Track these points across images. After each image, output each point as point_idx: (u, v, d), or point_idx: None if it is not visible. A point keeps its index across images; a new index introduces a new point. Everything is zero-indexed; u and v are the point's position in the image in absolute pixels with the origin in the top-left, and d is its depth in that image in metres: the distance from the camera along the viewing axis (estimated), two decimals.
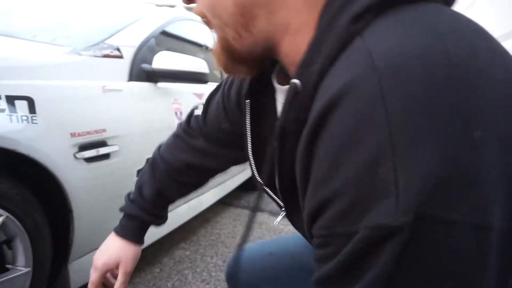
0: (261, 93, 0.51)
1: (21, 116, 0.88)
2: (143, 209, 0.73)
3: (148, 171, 0.76)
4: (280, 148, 0.42)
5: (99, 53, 1.23)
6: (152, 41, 1.51)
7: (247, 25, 0.40)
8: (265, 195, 0.57)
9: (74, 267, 1.14)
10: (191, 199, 1.81)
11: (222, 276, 1.65)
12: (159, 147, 0.78)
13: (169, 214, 0.80)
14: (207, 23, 0.44)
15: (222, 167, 0.75)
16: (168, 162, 0.73)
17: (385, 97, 0.26)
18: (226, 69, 0.46)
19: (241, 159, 0.68)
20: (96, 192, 1.13)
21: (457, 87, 0.25)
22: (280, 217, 0.56)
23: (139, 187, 0.75)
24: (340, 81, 0.29)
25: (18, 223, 0.91)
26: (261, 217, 2.37)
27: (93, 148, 1.09)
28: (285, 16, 0.37)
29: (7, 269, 0.94)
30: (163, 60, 1.44)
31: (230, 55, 0.44)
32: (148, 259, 1.72)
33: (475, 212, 0.25)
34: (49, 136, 0.95)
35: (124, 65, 1.31)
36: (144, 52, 1.44)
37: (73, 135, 1.02)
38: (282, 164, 0.44)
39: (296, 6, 0.36)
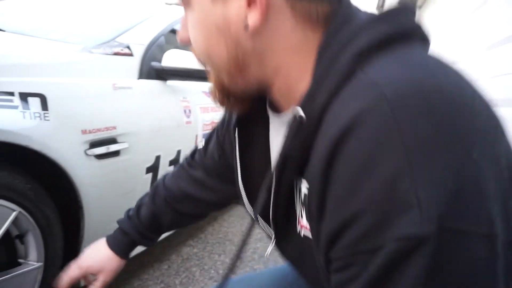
0: (250, 124, 0.54)
1: (34, 113, 0.89)
2: (136, 229, 0.78)
3: (150, 194, 0.80)
4: (278, 177, 0.43)
5: (109, 51, 1.24)
6: (162, 39, 1.52)
7: (240, 71, 0.43)
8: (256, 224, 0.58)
9: None
10: None
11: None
12: (165, 175, 0.82)
13: None
14: (201, 62, 0.47)
15: (220, 201, 0.78)
16: (169, 189, 0.78)
17: (398, 122, 0.29)
18: (221, 104, 0.49)
19: (234, 196, 0.71)
20: (106, 188, 1.14)
21: (454, 116, 0.30)
22: (270, 248, 0.57)
23: (138, 206, 0.80)
24: (351, 109, 0.31)
25: (30, 218, 0.93)
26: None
27: (104, 145, 1.10)
28: (275, 62, 0.42)
29: (20, 264, 0.95)
30: (173, 58, 1.44)
31: (225, 94, 0.47)
32: (157, 256, 1.74)
33: (484, 223, 0.28)
34: (61, 133, 0.96)
35: (134, 63, 1.32)
36: (154, 50, 1.44)
37: (84, 132, 1.03)
38: (279, 192, 0.46)
39: (284, 53, 0.41)
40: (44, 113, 0.91)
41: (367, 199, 0.30)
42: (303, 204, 0.42)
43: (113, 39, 1.32)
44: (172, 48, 1.51)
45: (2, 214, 0.87)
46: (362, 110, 0.30)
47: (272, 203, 0.48)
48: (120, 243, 0.78)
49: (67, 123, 0.98)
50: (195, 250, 1.86)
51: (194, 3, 0.43)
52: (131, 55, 1.32)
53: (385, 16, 0.37)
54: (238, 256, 0.49)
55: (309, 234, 0.42)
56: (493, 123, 0.32)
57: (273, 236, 0.54)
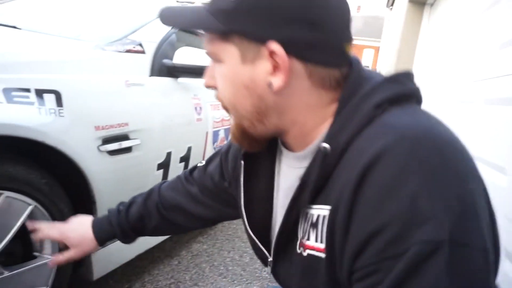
0: (255, 158, 0.62)
1: (49, 109, 0.90)
2: (120, 225, 0.83)
3: (143, 196, 0.85)
4: (293, 200, 0.52)
5: (122, 48, 1.26)
6: (173, 36, 1.53)
7: (261, 120, 0.52)
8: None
9: (96, 256, 1.18)
10: None
11: (239, 270, 1.67)
12: (162, 182, 0.89)
13: None
14: (224, 108, 0.55)
15: (209, 217, 0.83)
16: (163, 197, 0.84)
17: (417, 156, 0.39)
18: (240, 144, 0.58)
19: (229, 216, 0.83)
20: (118, 184, 1.15)
21: (454, 156, 0.40)
22: (269, 268, 0.63)
23: (130, 203, 0.85)
24: (376, 144, 0.41)
25: (45, 212, 0.94)
26: None
27: (116, 141, 1.12)
28: (293, 115, 0.51)
29: (35, 257, 0.97)
30: (184, 56, 1.45)
31: (245, 136, 0.55)
32: (167, 251, 1.75)
33: (480, 239, 0.37)
34: (75, 129, 0.97)
35: (146, 60, 1.34)
36: (165, 48, 1.46)
37: (97, 128, 1.04)
38: (289, 216, 0.53)
39: (301, 109, 0.50)
40: (59, 109, 0.93)
41: (393, 213, 0.38)
42: (312, 226, 0.50)
43: (126, 36, 1.34)
44: (183, 46, 1.52)
45: (18, 208, 0.89)
46: (386, 145, 0.40)
47: (282, 225, 0.55)
48: (103, 231, 0.83)
49: (81, 119, 1.00)
50: (204, 246, 1.87)
51: (225, 60, 0.50)
52: (143, 52, 1.33)
53: (395, 79, 0.49)
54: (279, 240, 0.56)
55: (317, 254, 0.49)
56: (474, 163, 0.42)
57: (271, 257, 0.61)
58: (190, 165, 1.45)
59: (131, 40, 1.33)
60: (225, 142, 1.47)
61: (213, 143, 1.75)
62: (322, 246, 0.47)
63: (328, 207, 0.46)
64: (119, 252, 1.29)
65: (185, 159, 1.51)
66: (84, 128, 1.01)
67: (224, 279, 1.58)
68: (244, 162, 0.63)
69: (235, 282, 1.57)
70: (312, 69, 0.48)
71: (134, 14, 1.59)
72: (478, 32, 1.86)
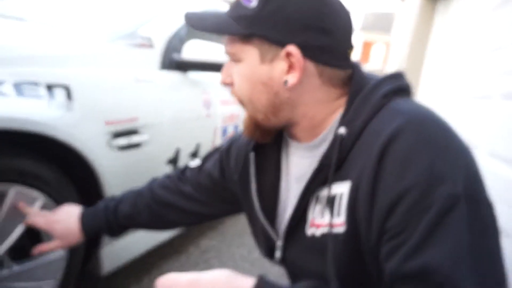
0: (263, 150, 0.68)
1: (59, 103, 0.90)
2: (109, 221, 0.86)
3: (133, 194, 0.89)
4: (309, 183, 0.58)
5: (131, 43, 1.25)
6: (182, 31, 1.52)
7: (275, 113, 0.59)
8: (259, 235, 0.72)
9: (105, 252, 1.17)
10: None
11: (248, 266, 1.66)
12: (153, 180, 0.93)
13: None
14: (240, 103, 0.62)
15: (205, 213, 0.87)
16: (155, 195, 0.88)
17: (426, 131, 0.48)
18: (252, 136, 0.65)
19: (226, 212, 0.89)
20: (127, 179, 1.15)
21: (451, 132, 0.50)
22: (279, 252, 0.67)
23: (119, 200, 0.89)
24: (390, 126, 0.49)
25: (55, 206, 0.94)
26: None
27: (126, 136, 1.11)
28: (304, 109, 0.59)
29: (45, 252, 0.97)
30: (193, 50, 1.44)
31: (257, 128, 0.62)
32: (176, 247, 1.75)
33: (485, 196, 0.47)
34: (85, 124, 0.96)
35: (155, 55, 1.32)
36: (175, 42, 1.44)
37: (107, 123, 1.03)
38: (303, 199, 0.59)
39: (311, 103, 0.58)
40: (69, 104, 0.92)
41: (414, 178, 0.45)
42: (327, 205, 0.56)
43: (135, 30, 1.32)
44: (191, 39, 1.50)
45: (28, 203, 0.88)
46: (400, 126, 0.48)
47: (295, 208, 0.60)
48: (91, 225, 0.86)
49: (91, 114, 0.99)
50: (213, 242, 1.87)
51: (244, 60, 0.57)
52: (152, 46, 1.32)
53: (394, 76, 0.58)
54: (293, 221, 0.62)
55: (333, 230, 0.54)
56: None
57: (280, 242, 0.66)
58: None
59: (140, 34, 1.31)
60: None
61: (222, 139, 1.73)
62: (341, 220, 0.53)
63: (348, 183, 0.52)
64: (128, 248, 1.29)
65: (193, 155, 1.50)
66: (94, 122, 1.00)
67: None
68: (256, 155, 0.69)
69: None
70: (322, 69, 0.56)
71: (143, 8, 1.58)
72: (494, 26, 1.81)
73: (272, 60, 0.55)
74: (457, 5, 2.84)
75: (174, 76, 1.39)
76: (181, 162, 1.42)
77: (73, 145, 0.93)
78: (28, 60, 0.89)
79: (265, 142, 0.66)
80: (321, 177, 0.56)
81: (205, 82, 1.59)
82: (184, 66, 1.43)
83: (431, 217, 0.43)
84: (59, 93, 0.91)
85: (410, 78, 0.62)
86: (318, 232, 0.57)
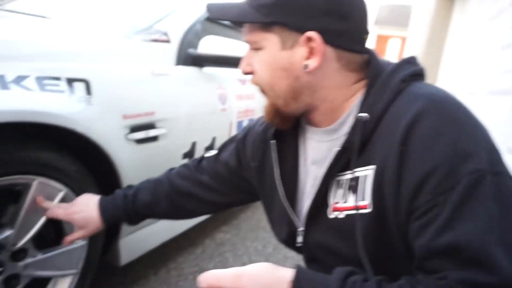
0: (281, 136, 0.70)
1: (79, 97, 0.92)
2: (127, 209, 0.89)
3: (152, 184, 0.92)
4: (331, 167, 0.59)
5: (148, 38, 1.26)
6: (198, 26, 1.53)
7: (295, 98, 0.61)
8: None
9: (124, 243, 1.20)
10: None
11: (262, 260, 1.67)
12: (170, 170, 0.95)
13: None
14: (261, 90, 0.64)
15: (220, 202, 0.90)
16: (174, 185, 0.90)
17: (447, 112, 0.50)
18: (271, 122, 0.67)
19: (240, 201, 0.91)
20: (144, 172, 1.16)
21: (469, 112, 0.52)
22: (301, 237, 0.68)
23: (137, 189, 0.91)
24: (412, 108, 0.51)
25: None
26: None
27: (143, 130, 1.13)
28: (323, 93, 0.60)
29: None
30: (209, 45, 1.45)
31: (277, 114, 0.64)
32: (191, 240, 1.78)
33: (506, 169, 0.49)
34: (104, 117, 0.99)
35: (171, 50, 1.34)
36: (190, 37, 1.45)
37: (125, 117, 1.06)
38: (326, 181, 0.61)
39: (330, 87, 0.60)
40: (89, 98, 0.94)
41: (440, 155, 0.47)
42: (350, 189, 0.58)
43: (151, 25, 1.34)
44: (208, 35, 1.51)
45: (50, 194, 0.91)
46: (422, 107, 0.50)
47: (317, 192, 0.62)
48: (110, 213, 0.89)
49: (110, 107, 1.01)
50: (228, 236, 1.88)
51: (265, 47, 0.59)
52: (168, 41, 1.33)
53: (409, 61, 0.60)
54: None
55: (359, 212, 0.55)
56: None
57: (302, 227, 0.67)
58: None
59: (157, 29, 1.33)
60: None
61: None
62: (366, 202, 0.55)
63: (372, 166, 0.54)
64: (146, 239, 1.32)
65: (209, 149, 1.52)
66: (113, 116, 1.02)
67: None
68: (277, 141, 0.71)
69: None
70: (341, 54, 0.58)
71: (159, 3, 1.60)
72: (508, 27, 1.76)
73: (292, 46, 0.57)
74: (476, 1, 2.77)
75: (190, 71, 1.40)
76: (197, 156, 1.43)
77: (92, 138, 0.95)
78: (50, 55, 0.91)
79: (285, 128, 0.68)
80: (342, 161, 0.58)
81: (221, 77, 1.60)
82: (200, 61, 1.44)
83: (459, 193, 0.45)
84: (79, 88, 0.93)
85: (427, 74, 0.63)
86: (342, 214, 0.59)
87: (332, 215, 0.61)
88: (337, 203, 0.60)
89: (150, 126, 1.16)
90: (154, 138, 1.18)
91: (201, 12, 1.59)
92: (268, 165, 0.74)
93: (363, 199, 0.55)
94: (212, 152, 0.92)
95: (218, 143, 1.57)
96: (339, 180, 0.60)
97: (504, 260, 0.43)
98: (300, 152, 0.70)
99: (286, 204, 0.69)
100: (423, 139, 0.48)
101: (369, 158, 0.55)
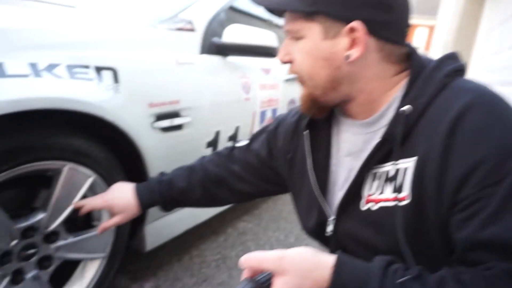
0: (314, 128, 0.71)
1: (107, 85, 0.94)
2: (163, 195, 0.91)
3: (185, 171, 0.94)
4: (368, 159, 0.59)
5: (173, 27, 1.27)
6: (222, 15, 1.52)
7: (334, 88, 0.61)
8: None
9: (149, 229, 1.23)
10: None
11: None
12: (203, 158, 0.97)
13: None
14: (299, 80, 0.64)
15: (249, 192, 0.91)
16: (208, 173, 0.92)
17: (495, 107, 0.51)
18: (308, 111, 0.68)
19: (267, 192, 0.92)
20: (169, 160, 1.18)
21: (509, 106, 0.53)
22: (331, 227, 0.68)
23: (172, 175, 0.93)
24: (459, 101, 0.51)
25: (104, 184, 0.99)
26: None
27: (168, 119, 1.14)
28: (362, 84, 0.60)
29: (94, 226, 1.03)
30: (233, 34, 1.44)
31: (314, 103, 0.65)
32: (213, 228, 1.80)
33: None
34: (131, 106, 1.00)
35: (196, 38, 1.34)
36: (215, 26, 1.45)
37: (151, 105, 1.07)
38: (362, 173, 0.61)
39: (370, 78, 0.60)
40: (116, 86, 0.96)
41: (488, 149, 0.48)
42: (388, 180, 0.58)
43: (176, 14, 1.34)
44: (232, 24, 1.50)
45: (80, 179, 0.94)
46: (470, 101, 0.51)
47: (352, 183, 0.62)
48: (147, 198, 0.91)
49: (136, 96, 1.02)
50: (250, 225, 1.90)
51: (307, 36, 0.59)
52: (193, 30, 1.34)
53: (451, 56, 0.60)
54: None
55: (394, 203, 0.56)
56: None
57: (333, 216, 0.67)
58: None
59: (181, 18, 1.33)
60: None
61: (260, 123, 1.74)
62: (404, 193, 0.55)
63: (413, 158, 0.54)
64: (170, 226, 1.34)
65: (232, 138, 1.52)
66: (139, 104, 1.04)
67: None
68: (310, 132, 0.71)
69: None
70: (383, 45, 0.58)
71: None
72: None
73: (334, 36, 0.57)
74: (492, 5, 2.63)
75: (214, 59, 1.40)
76: (220, 145, 1.44)
77: (120, 125, 0.97)
78: (80, 44, 0.93)
79: (321, 117, 0.69)
80: (381, 153, 0.58)
81: (245, 66, 1.59)
82: (224, 50, 1.44)
83: (506, 187, 0.46)
84: (107, 76, 0.94)
85: None
86: (376, 206, 0.59)
87: (365, 207, 0.61)
88: (371, 195, 0.60)
89: (175, 114, 1.17)
90: (178, 127, 1.19)
91: (225, 1, 1.58)
92: (300, 155, 0.75)
93: (401, 191, 0.55)
94: (243, 142, 0.93)
95: (241, 133, 1.57)
96: (375, 172, 0.60)
97: None
98: (332, 143, 0.70)
99: (317, 192, 0.69)
100: (471, 132, 0.49)
101: (411, 150, 0.55)
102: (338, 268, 0.50)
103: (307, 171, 0.72)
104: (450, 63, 0.58)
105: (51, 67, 0.82)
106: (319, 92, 0.62)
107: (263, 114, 1.74)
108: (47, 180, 0.90)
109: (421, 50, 0.64)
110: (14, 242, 0.83)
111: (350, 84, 0.60)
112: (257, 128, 1.71)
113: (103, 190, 0.99)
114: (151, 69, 1.10)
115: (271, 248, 1.69)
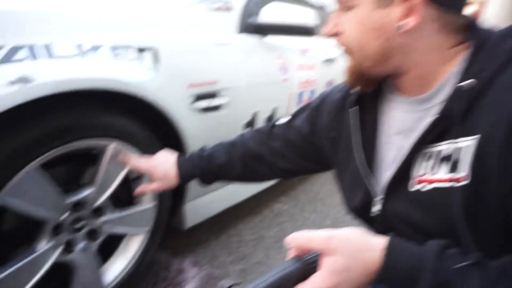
0: (362, 104, 0.68)
1: (148, 65, 0.95)
2: (203, 169, 0.93)
3: (226, 146, 0.95)
4: (422, 138, 0.56)
5: (211, 6, 1.26)
6: None
7: (384, 60, 0.58)
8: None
9: (188, 208, 1.26)
10: None
11: None
12: (243, 135, 0.97)
13: None
14: (348, 51, 0.62)
15: (288, 169, 0.91)
16: (248, 149, 0.92)
17: None
18: (354, 84, 0.66)
19: (307, 170, 0.91)
20: (207, 141, 1.19)
21: None
22: (377, 207, 0.66)
23: (212, 150, 0.95)
24: None
25: None
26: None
27: (207, 99, 1.15)
28: (416, 57, 0.56)
29: (137, 203, 1.08)
30: (271, 13, 1.41)
31: (360, 75, 0.62)
32: (249, 209, 1.82)
33: None
34: (171, 86, 1.02)
35: (233, 18, 1.33)
36: (252, 5, 1.43)
37: (190, 85, 1.08)
38: (414, 152, 0.58)
39: (425, 51, 0.56)
40: (156, 66, 0.98)
41: None
42: (443, 160, 0.54)
43: None
44: (270, 2, 1.48)
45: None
46: None
47: (403, 162, 0.59)
48: (187, 171, 0.93)
49: (176, 76, 1.04)
50: (286, 206, 1.90)
51: (358, 6, 0.56)
52: (231, 10, 1.32)
53: None
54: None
55: (450, 184, 0.53)
56: None
57: (381, 196, 0.65)
58: None
59: None
60: None
61: (298, 104, 1.71)
62: (463, 173, 0.51)
63: (475, 136, 0.50)
64: (209, 205, 1.38)
65: (269, 119, 1.51)
66: (179, 85, 1.05)
67: None
68: (359, 107, 0.69)
69: None
70: (440, 14, 0.53)
71: None
72: None
73: (388, 5, 0.54)
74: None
75: (252, 39, 1.39)
76: (257, 126, 1.44)
77: (160, 106, 0.99)
78: (122, 25, 0.95)
79: (368, 90, 0.66)
80: (436, 131, 0.55)
81: (282, 47, 1.56)
82: (261, 30, 1.42)
83: None
84: (148, 56, 0.96)
85: None
86: (429, 186, 0.56)
87: (414, 187, 0.59)
88: (423, 175, 0.57)
89: (213, 95, 1.18)
90: (217, 107, 1.20)
91: None
92: (344, 133, 0.73)
93: (459, 171, 0.52)
94: (284, 119, 0.92)
95: (278, 114, 1.56)
96: (426, 152, 0.57)
97: None
98: (379, 121, 0.68)
99: (364, 171, 0.67)
100: None
101: (471, 128, 0.51)
102: (389, 251, 0.48)
103: (352, 150, 0.69)
104: None
105: (95, 48, 0.85)
106: (369, 63, 0.59)
107: (300, 95, 1.71)
108: (93, 158, 0.95)
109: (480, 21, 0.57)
110: (65, 215, 0.89)
111: (402, 57, 0.57)
112: (294, 109, 1.69)
113: None
114: (191, 49, 1.11)
115: (308, 229, 1.68)
